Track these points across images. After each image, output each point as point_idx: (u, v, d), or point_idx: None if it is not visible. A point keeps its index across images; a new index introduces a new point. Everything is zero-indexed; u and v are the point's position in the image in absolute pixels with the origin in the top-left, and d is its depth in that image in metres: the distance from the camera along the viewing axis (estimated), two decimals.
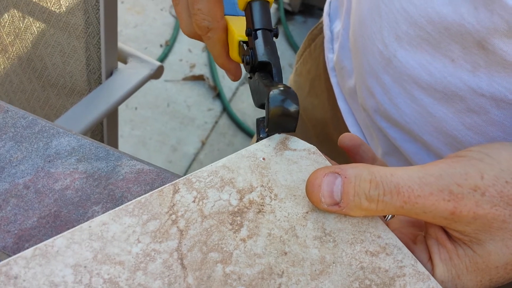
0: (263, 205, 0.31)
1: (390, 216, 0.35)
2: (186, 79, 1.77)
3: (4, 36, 0.87)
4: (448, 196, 0.28)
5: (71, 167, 0.35)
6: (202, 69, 1.80)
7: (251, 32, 0.36)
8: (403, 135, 0.45)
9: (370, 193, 0.29)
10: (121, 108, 1.65)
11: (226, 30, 0.40)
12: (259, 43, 0.36)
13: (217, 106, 1.71)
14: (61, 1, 0.77)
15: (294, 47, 1.88)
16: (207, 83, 1.76)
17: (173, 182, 0.32)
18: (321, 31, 0.60)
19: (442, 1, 0.36)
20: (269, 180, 0.32)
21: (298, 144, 0.34)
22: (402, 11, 0.39)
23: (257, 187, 0.32)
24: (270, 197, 0.32)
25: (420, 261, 0.30)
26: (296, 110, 0.32)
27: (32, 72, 0.88)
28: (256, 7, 0.37)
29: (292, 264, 0.29)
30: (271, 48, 0.36)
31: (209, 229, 0.30)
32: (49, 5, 0.79)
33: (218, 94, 1.73)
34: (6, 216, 0.33)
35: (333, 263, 0.30)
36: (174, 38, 1.87)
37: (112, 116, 0.86)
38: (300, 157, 0.33)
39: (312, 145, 0.34)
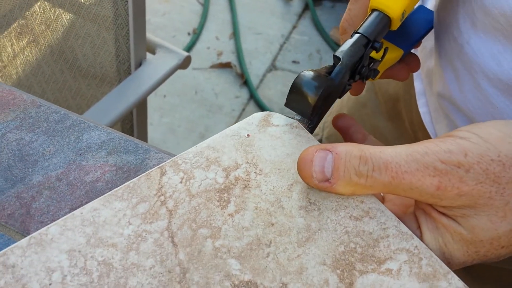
0: (249, 181, 0.33)
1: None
2: (213, 66, 1.78)
3: (36, 27, 0.89)
4: (433, 172, 0.29)
5: (101, 160, 0.36)
6: (229, 57, 1.81)
7: (354, 34, 0.37)
8: (466, 121, 0.46)
9: (360, 168, 0.30)
10: (150, 96, 1.66)
11: None
12: (347, 42, 0.36)
13: (244, 94, 1.72)
14: None
15: (322, 32, 1.87)
16: (234, 71, 1.77)
17: (159, 166, 0.33)
18: None
19: None
20: (253, 157, 0.34)
21: (280, 119, 0.35)
22: (478, 0, 0.39)
23: (242, 164, 0.33)
24: (255, 172, 0.33)
25: (409, 229, 0.31)
26: (311, 96, 0.34)
27: (63, 63, 0.90)
28: (371, 15, 0.37)
29: (279, 234, 0.31)
30: (352, 51, 0.36)
31: (197, 207, 0.32)
32: None
33: (245, 82, 1.73)
34: (40, 208, 0.34)
35: (319, 230, 0.31)
36: (202, 26, 1.88)
37: (141, 106, 0.88)
38: (283, 132, 0.35)
39: (294, 120, 0.35)
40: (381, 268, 0.30)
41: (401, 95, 0.61)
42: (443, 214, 0.30)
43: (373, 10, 0.38)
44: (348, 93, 0.71)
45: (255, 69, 1.78)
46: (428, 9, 0.46)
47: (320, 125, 0.72)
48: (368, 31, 0.37)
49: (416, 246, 0.30)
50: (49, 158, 0.36)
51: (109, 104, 0.79)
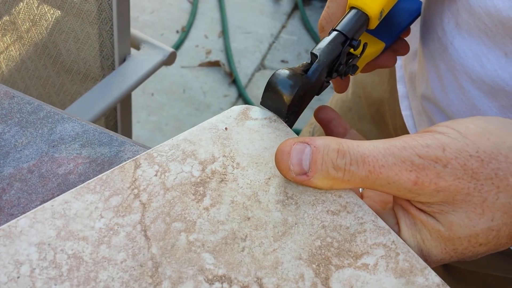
0: (226, 174, 0.32)
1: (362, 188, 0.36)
2: (202, 65, 1.77)
3: (20, 22, 0.88)
4: (410, 166, 0.28)
5: (74, 152, 0.36)
6: (218, 55, 1.80)
7: (332, 31, 0.37)
8: None
9: (338, 161, 0.29)
10: (137, 94, 1.66)
11: None
12: (324, 40, 0.36)
13: (232, 92, 1.71)
14: None
15: (311, 32, 1.87)
16: (223, 69, 1.76)
17: (134, 158, 0.32)
18: None
19: None
20: (231, 150, 0.33)
21: (259, 113, 0.35)
22: (464, 0, 0.39)
23: (219, 157, 0.33)
24: (233, 166, 0.32)
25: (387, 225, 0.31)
26: (286, 95, 0.33)
27: (47, 58, 0.89)
28: (350, 13, 0.37)
29: (255, 228, 0.30)
30: (330, 49, 0.36)
31: (171, 201, 0.31)
32: None
33: (233, 80, 1.73)
34: (10, 200, 0.33)
35: (295, 224, 0.31)
36: (190, 24, 1.87)
37: (125, 102, 0.87)
38: (261, 126, 0.34)
39: (273, 113, 0.35)
40: (357, 263, 0.29)
41: (385, 99, 0.61)
42: (421, 210, 0.30)
43: (351, 8, 0.37)
44: (335, 98, 0.71)
45: (244, 68, 1.77)
46: None
47: (309, 129, 0.72)
48: (346, 28, 0.36)
49: (393, 241, 0.30)
50: (21, 150, 0.36)
51: (92, 99, 0.78)
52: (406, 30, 0.45)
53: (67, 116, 0.38)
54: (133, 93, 0.87)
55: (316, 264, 0.29)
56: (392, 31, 0.43)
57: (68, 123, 0.37)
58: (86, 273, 0.28)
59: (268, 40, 1.86)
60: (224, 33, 1.84)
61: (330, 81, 0.39)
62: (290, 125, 0.35)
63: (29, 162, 0.35)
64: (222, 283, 0.29)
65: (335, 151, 0.29)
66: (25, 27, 0.88)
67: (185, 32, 1.85)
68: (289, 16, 1.95)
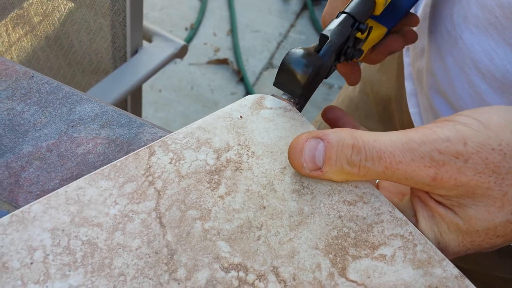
0: (241, 163, 0.32)
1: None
2: (210, 62, 1.77)
3: (32, 13, 0.88)
4: (429, 162, 0.28)
5: (93, 133, 0.36)
6: (226, 53, 1.80)
7: (340, 14, 0.36)
8: None
9: (352, 158, 0.29)
10: (145, 90, 1.66)
11: None
12: (334, 21, 0.36)
13: (240, 90, 1.71)
14: None
15: (320, 32, 1.86)
16: (231, 67, 1.76)
17: (148, 145, 0.32)
18: None
19: None
20: (245, 139, 0.33)
21: (274, 102, 0.34)
22: None
23: (233, 146, 0.32)
24: (247, 155, 0.32)
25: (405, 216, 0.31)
26: (301, 74, 0.33)
27: (58, 49, 0.89)
28: None
29: (271, 217, 0.30)
30: (339, 31, 0.35)
31: (186, 188, 0.31)
32: None
33: (241, 79, 1.73)
34: (29, 177, 0.33)
35: (311, 214, 0.30)
36: (199, 21, 1.87)
37: (136, 94, 0.87)
38: (276, 115, 0.34)
39: (287, 103, 0.34)
40: (374, 253, 0.29)
41: (392, 96, 0.60)
42: (440, 203, 0.30)
43: None
44: (342, 95, 0.71)
45: (252, 66, 1.77)
46: None
47: (316, 126, 0.72)
48: (354, 11, 0.36)
49: (410, 232, 0.30)
50: (40, 129, 0.35)
51: (103, 90, 0.78)
52: (408, 15, 0.44)
53: (86, 97, 0.38)
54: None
55: (333, 254, 0.29)
56: (392, 16, 0.42)
57: (87, 104, 0.37)
58: (100, 260, 0.28)
59: (276, 39, 1.86)
60: (233, 31, 1.85)
61: (336, 68, 0.39)
62: (300, 108, 0.35)
63: (48, 141, 0.35)
64: (238, 271, 0.28)
65: (350, 147, 0.29)
66: (38, 18, 0.88)
67: (194, 29, 1.85)
68: (298, 15, 1.95)
